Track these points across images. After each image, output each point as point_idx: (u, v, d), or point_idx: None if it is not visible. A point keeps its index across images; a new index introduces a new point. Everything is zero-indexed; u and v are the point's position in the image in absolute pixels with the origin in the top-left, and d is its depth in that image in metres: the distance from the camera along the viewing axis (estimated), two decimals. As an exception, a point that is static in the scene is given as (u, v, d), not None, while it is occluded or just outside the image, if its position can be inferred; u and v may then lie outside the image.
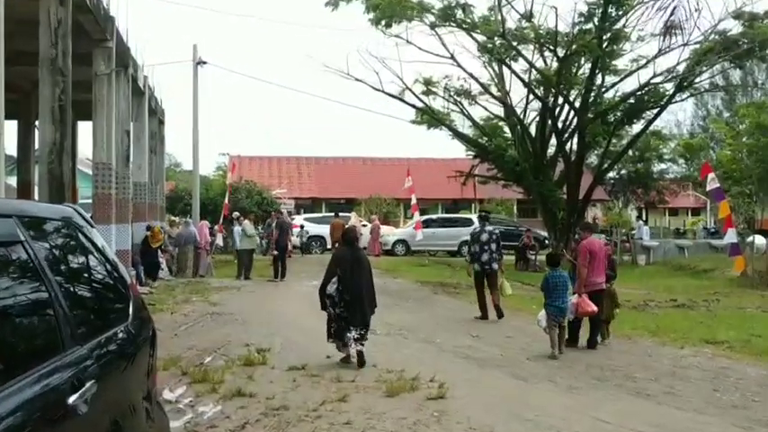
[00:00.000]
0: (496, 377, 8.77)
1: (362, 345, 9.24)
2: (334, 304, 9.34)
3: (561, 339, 10.27)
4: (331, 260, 9.80)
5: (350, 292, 9.29)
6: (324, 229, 30.36)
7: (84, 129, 24.54)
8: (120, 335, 3.51)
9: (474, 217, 29.68)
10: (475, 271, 13.73)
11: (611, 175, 46.56)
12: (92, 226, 3.71)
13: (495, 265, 13.62)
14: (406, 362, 9.26)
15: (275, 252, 20.89)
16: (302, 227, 31.41)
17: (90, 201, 16.68)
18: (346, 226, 16.19)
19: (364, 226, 30.89)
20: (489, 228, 13.99)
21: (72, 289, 3.17)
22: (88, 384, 2.80)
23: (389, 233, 33.21)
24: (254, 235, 22.34)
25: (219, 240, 25.65)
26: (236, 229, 22.63)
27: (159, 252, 19.90)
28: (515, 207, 46.18)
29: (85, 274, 3.47)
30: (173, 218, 27.43)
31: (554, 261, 10.92)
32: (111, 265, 3.81)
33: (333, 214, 31.21)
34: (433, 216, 36.04)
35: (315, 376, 8.45)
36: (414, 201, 27.86)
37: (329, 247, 30.26)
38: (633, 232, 33.98)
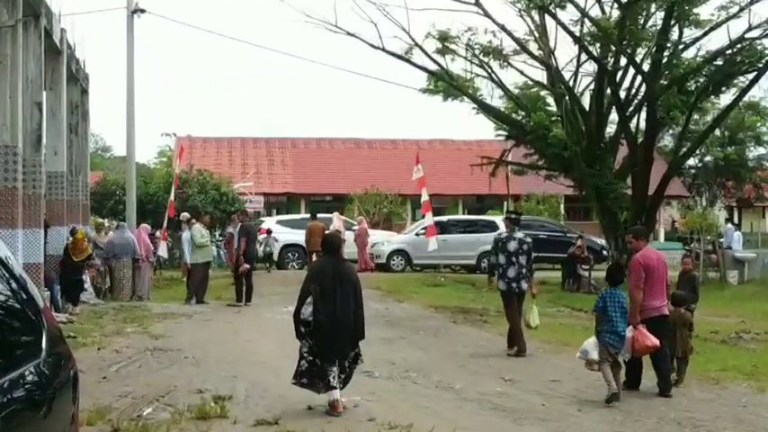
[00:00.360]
0: (537, 435, 8.78)
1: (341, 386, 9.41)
2: (309, 333, 9.40)
3: (618, 380, 10.38)
4: (307, 275, 9.96)
5: (329, 314, 9.29)
6: (301, 236, 30.36)
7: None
8: (30, 377, 3.51)
9: (499, 219, 29.45)
10: (500, 291, 13.95)
11: (691, 162, 46.74)
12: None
13: (525, 285, 13.79)
14: (414, 414, 9.27)
15: (245, 266, 20.78)
16: (269, 232, 31.45)
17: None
18: (327, 231, 16.28)
19: (353, 230, 30.99)
20: (520, 234, 14.10)
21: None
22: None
23: (387, 239, 33.16)
24: (205, 244, 22.31)
25: (163, 251, 25.69)
26: (185, 235, 22.67)
27: (83, 267, 19.92)
28: (562, 206, 46.33)
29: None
30: (100, 220, 27.52)
31: (616, 277, 11.01)
32: (18, 283, 3.81)
33: (309, 216, 31.33)
34: (444, 218, 35.81)
35: (291, 434, 8.46)
36: (425, 197, 27.89)
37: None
38: (721, 240, 34.02)
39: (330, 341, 9.32)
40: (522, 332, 13.78)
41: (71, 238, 19.57)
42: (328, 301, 9.33)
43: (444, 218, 35.57)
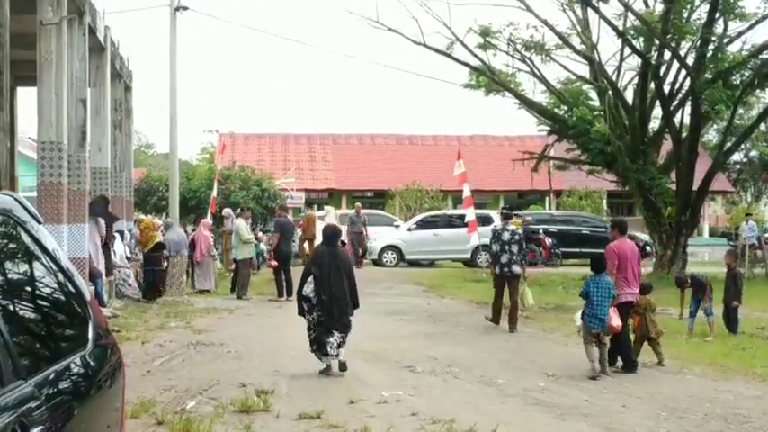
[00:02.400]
0: None
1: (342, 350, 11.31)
2: (311, 308, 11.33)
3: (603, 359, 11.65)
4: (309, 260, 12.10)
5: (327, 293, 11.25)
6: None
7: (26, 97, 24.77)
8: (77, 368, 3.54)
9: (494, 214, 30.62)
10: (494, 274, 16.53)
11: (736, 158, 46.35)
12: (39, 222, 3.74)
13: (517, 269, 16.13)
14: (456, 409, 9.27)
15: (273, 262, 21.23)
16: None
17: (34, 194, 16.88)
18: (325, 223, 17.33)
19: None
20: (512, 227, 16.73)
21: (12, 306, 3.20)
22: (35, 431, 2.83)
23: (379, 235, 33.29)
24: (250, 240, 22.55)
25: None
26: (235, 225, 22.98)
27: (161, 258, 20.59)
28: (605, 201, 45.99)
29: (29, 287, 3.50)
30: (142, 217, 27.71)
31: (598, 266, 12.18)
32: (65, 275, 3.84)
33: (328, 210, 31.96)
34: (436, 213, 36.71)
35: (334, 427, 8.49)
36: (467, 193, 27.80)
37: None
38: (767, 235, 33.55)
39: (329, 313, 11.25)
40: (501, 310, 16.23)
41: (135, 228, 19.86)
42: (325, 281, 11.27)
43: (437, 212, 36.53)
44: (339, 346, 11.20)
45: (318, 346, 11.28)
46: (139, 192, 33.69)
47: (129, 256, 22.73)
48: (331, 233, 12.17)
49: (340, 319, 11.27)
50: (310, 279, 11.30)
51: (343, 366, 11.18)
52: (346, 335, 11.33)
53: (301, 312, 11.51)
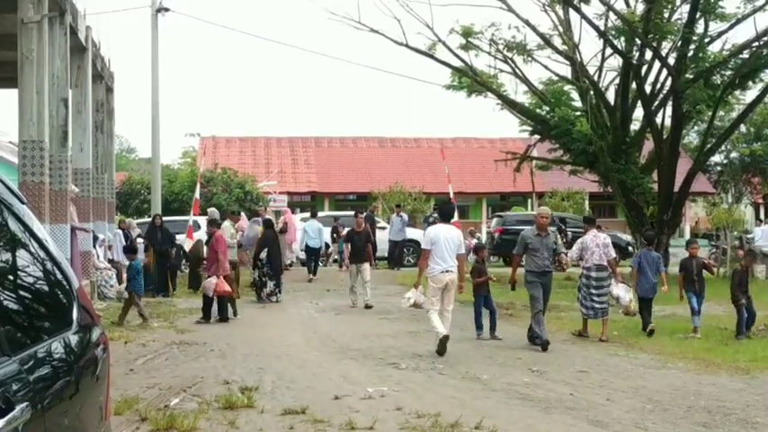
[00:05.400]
0: (567, 424, 8.75)
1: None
2: (262, 266, 20.38)
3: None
4: (261, 239, 21.27)
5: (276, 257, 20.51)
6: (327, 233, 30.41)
7: (6, 98, 24.63)
8: (62, 348, 3.51)
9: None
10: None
11: (717, 159, 46.54)
12: (22, 202, 3.71)
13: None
14: (441, 404, 9.27)
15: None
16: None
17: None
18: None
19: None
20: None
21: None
22: (19, 408, 2.79)
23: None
24: (231, 244, 22.37)
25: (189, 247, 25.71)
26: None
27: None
28: (587, 202, 46.13)
29: (14, 266, 3.47)
30: (128, 219, 27.59)
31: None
32: (50, 256, 3.81)
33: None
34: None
35: (319, 422, 8.46)
36: (451, 194, 27.90)
37: (335, 257, 30.50)
38: (749, 236, 33.67)
39: (278, 268, 20.36)
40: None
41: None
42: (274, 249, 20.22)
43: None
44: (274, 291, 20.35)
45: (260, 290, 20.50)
46: (121, 195, 33.59)
47: (110, 258, 22.65)
48: (270, 223, 22.00)
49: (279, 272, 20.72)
50: (265, 250, 20.46)
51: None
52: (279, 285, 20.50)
53: (254, 267, 20.90)
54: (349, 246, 20.83)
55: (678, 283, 15.76)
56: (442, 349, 12.80)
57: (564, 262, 15.52)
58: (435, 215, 19.88)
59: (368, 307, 19.15)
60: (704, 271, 15.92)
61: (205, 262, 19.05)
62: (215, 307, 16.94)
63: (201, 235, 23.72)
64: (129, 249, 18.81)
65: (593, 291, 14.74)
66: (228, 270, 17.70)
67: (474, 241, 27.27)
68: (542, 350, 13.31)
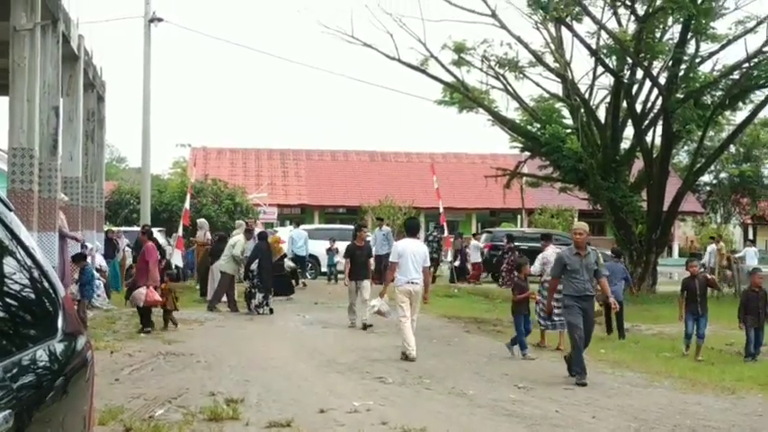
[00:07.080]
0: (551, 441, 8.72)
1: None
2: (253, 277, 20.20)
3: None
4: (253, 251, 20.69)
5: (267, 270, 20.38)
6: (318, 246, 30.40)
7: (-4, 106, 24.63)
8: (47, 356, 3.50)
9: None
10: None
11: (706, 179, 46.70)
12: (9, 209, 3.70)
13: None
14: (427, 419, 9.23)
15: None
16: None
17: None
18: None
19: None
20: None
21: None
22: (2, 416, 2.78)
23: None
24: (240, 259, 22.33)
25: (178, 259, 25.69)
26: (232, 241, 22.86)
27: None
28: (576, 219, 46.09)
29: (2, 272, 3.46)
30: (115, 229, 27.54)
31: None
32: (41, 270, 3.81)
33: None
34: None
35: (304, 436, 8.43)
36: (441, 209, 27.90)
37: (323, 269, 30.49)
38: (738, 255, 33.77)
39: (267, 281, 20.29)
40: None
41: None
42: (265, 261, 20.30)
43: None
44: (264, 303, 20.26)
45: (251, 300, 20.38)
46: (110, 204, 33.51)
47: (98, 267, 22.57)
48: (265, 235, 21.88)
49: (270, 285, 20.69)
50: (255, 261, 20.32)
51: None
52: (269, 297, 20.46)
53: (246, 278, 20.71)
54: (349, 261, 19.02)
55: (678, 304, 15.83)
56: (405, 358, 13.75)
57: (605, 289, 13.21)
58: (435, 232, 19.92)
59: (365, 327, 17.73)
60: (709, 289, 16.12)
61: (134, 272, 18.67)
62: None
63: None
64: (79, 256, 18.36)
65: (552, 304, 14.66)
66: (158, 281, 16.93)
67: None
68: (578, 385, 11.82)
